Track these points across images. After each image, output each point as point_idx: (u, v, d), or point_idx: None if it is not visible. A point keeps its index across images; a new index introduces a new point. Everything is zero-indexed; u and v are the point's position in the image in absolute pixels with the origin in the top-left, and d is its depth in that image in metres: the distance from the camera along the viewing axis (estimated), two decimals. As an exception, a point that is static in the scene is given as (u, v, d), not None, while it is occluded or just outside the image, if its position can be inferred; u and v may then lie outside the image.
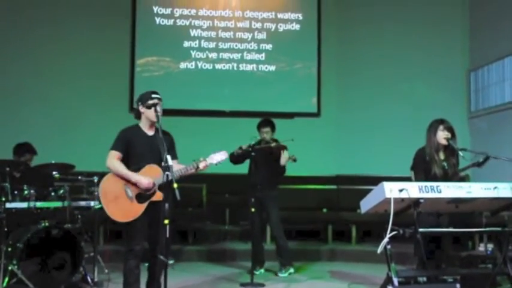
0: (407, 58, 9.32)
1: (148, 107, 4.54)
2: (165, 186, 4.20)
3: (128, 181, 4.43)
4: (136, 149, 4.54)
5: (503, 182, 4.48)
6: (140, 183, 4.40)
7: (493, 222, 5.59)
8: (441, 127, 5.08)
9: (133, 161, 4.52)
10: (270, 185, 6.34)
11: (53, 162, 5.85)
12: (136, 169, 4.47)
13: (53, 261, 5.23)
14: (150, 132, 4.62)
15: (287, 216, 7.21)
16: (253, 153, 6.13)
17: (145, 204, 4.44)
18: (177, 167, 4.52)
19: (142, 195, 4.45)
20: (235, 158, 6.26)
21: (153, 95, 4.56)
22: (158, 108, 4.51)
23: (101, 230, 7.38)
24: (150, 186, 4.40)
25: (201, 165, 4.59)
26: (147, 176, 4.42)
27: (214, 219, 8.46)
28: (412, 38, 9.37)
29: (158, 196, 4.42)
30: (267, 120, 6.52)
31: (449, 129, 5.08)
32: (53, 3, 9.14)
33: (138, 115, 4.66)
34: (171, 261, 6.69)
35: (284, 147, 6.27)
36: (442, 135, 5.05)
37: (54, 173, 5.82)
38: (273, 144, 6.28)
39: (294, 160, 6.24)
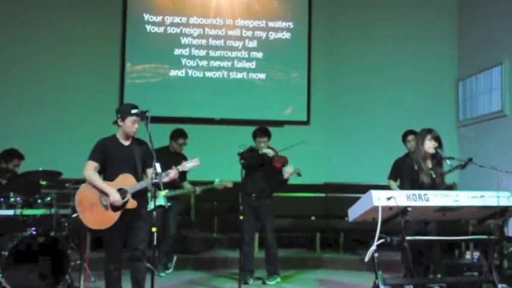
0: (397, 68, 9.37)
1: (126, 121, 4.68)
2: (153, 193, 4.30)
3: (102, 192, 4.61)
4: (113, 159, 4.70)
5: (489, 191, 4.52)
6: (111, 197, 4.56)
7: (480, 231, 5.64)
8: (429, 136, 5.13)
9: (109, 170, 4.70)
10: (266, 195, 6.32)
11: (40, 169, 5.82)
12: (111, 178, 4.65)
13: (38, 269, 5.19)
14: (127, 143, 4.78)
15: (275, 224, 7.21)
16: (242, 161, 6.08)
17: (119, 212, 4.61)
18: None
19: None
20: (246, 166, 6.16)
21: (133, 111, 4.66)
22: (136, 125, 4.70)
23: (88, 237, 7.33)
24: (118, 204, 4.56)
25: (172, 172, 4.72)
26: (121, 186, 4.61)
27: (203, 227, 8.43)
28: (401, 48, 9.43)
29: (132, 204, 4.63)
30: (263, 129, 6.42)
31: (437, 138, 5.14)
32: (41, 10, 9.10)
33: (117, 124, 4.79)
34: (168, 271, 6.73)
35: (286, 160, 6.20)
36: (429, 145, 5.11)
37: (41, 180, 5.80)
38: (272, 154, 6.17)
39: (299, 174, 6.18)
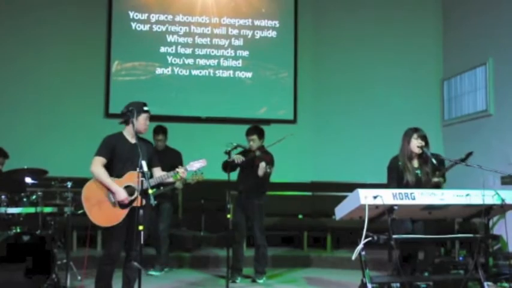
0: (383, 67, 9.43)
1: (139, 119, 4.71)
2: (140, 193, 4.30)
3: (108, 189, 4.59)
4: (120, 156, 4.68)
5: (475, 189, 4.56)
6: (118, 195, 4.55)
7: (465, 229, 5.69)
8: (415, 135, 5.17)
9: (116, 167, 4.67)
10: (255, 194, 6.31)
11: (26, 167, 5.77)
12: (118, 175, 4.63)
13: (24, 268, 5.13)
14: (133, 140, 4.74)
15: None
16: (229, 160, 6.10)
17: (127, 210, 4.60)
18: (159, 174, 4.82)
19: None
20: (226, 170, 6.18)
21: (145, 108, 4.74)
22: (148, 122, 4.78)
23: (74, 236, 7.30)
24: (124, 203, 4.56)
25: (180, 171, 4.75)
26: (128, 183, 4.60)
27: (190, 225, 8.42)
28: (387, 47, 9.48)
29: (140, 202, 4.50)
30: (254, 127, 6.43)
31: (423, 137, 5.17)
32: (26, 8, 9.01)
33: (127, 121, 4.76)
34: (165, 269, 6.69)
35: (267, 158, 6.20)
36: (415, 144, 5.15)
37: (27, 178, 5.74)
38: (257, 153, 6.18)
39: (270, 173, 6.18)
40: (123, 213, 4.58)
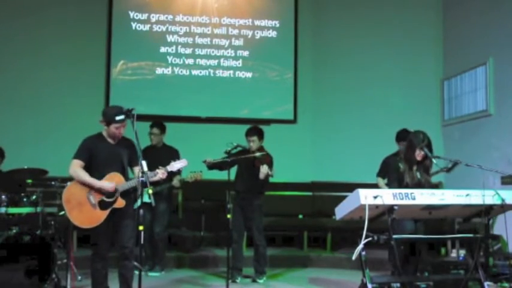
0: (383, 67, 9.43)
1: (110, 127, 4.70)
2: (141, 192, 4.31)
3: (91, 188, 4.61)
4: (99, 158, 4.70)
5: (475, 189, 4.56)
6: (104, 188, 4.58)
7: (465, 229, 5.68)
8: (422, 146, 4.99)
9: (96, 169, 4.69)
10: (254, 194, 6.31)
11: (26, 167, 5.77)
12: (99, 177, 4.64)
13: (24, 268, 5.13)
14: (113, 141, 4.78)
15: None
16: (229, 160, 6.10)
17: (107, 211, 4.63)
18: (137, 173, 4.71)
19: (105, 202, 4.63)
20: (210, 167, 6.22)
21: (117, 118, 4.63)
22: (120, 130, 4.71)
23: (74, 236, 7.30)
24: (113, 190, 4.58)
25: (160, 171, 4.76)
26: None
27: (190, 225, 8.41)
28: (387, 48, 9.48)
29: (120, 203, 4.65)
30: (253, 128, 6.42)
31: (428, 144, 5.04)
32: (26, 9, 9.00)
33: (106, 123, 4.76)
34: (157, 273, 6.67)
35: (267, 160, 6.18)
36: (419, 153, 5.02)
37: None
38: (257, 154, 6.16)
39: (271, 176, 6.18)
40: (103, 214, 4.61)
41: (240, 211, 6.33)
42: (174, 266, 7.12)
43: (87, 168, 4.68)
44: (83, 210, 4.59)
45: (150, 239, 6.58)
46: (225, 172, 5.95)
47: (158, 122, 6.85)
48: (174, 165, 4.89)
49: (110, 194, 4.60)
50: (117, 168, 4.70)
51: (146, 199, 4.40)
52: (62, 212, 4.74)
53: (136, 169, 4.77)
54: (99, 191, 4.61)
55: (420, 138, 4.99)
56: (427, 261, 5.43)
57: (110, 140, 4.78)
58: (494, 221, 6.84)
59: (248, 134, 6.35)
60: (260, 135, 6.36)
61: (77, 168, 4.62)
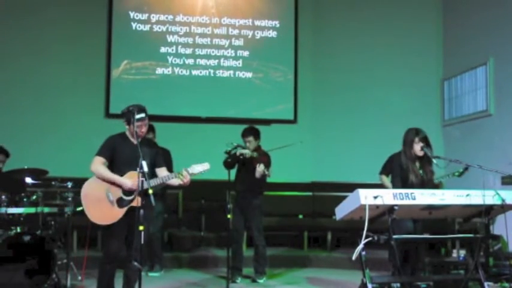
0: (383, 67, 9.44)
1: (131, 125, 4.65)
2: (140, 193, 4.29)
3: (111, 184, 4.58)
4: (121, 157, 4.67)
5: (475, 189, 4.56)
6: (125, 185, 4.54)
7: (466, 229, 5.69)
8: (416, 139, 5.15)
9: (117, 168, 4.66)
10: (253, 194, 6.31)
11: (26, 167, 5.77)
12: (119, 175, 4.60)
13: (25, 268, 5.13)
14: (136, 141, 4.68)
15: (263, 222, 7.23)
16: (229, 160, 6.11)
17: (124, 209, 4.58)
18: (162, 174, 4.75)
19: (123, 200, 4.59)
20: (228, 164, 6.21)
21: (138, 116, 4.61)
22: (143, 130, 4.68)
23: (75, 236, 7.30)
24: (134, 188, 4.50)
25: (184, 173, 4.68)
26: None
27: (190, 225, 8.42)
28: (387, 48, 9.49)
29: (137, 202, 4.49)
30: (249, 128, 6.42)
31: (424, 139, 5.16)
32: (26, 9, 9.00)
33: (128, 122, 4.71)
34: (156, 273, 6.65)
35: (264, 160, 6.18)
36: (418, 148, 5.13)
37: (27, 178, 5.74)
38: (251, 154, 6.16)
39: (268, 176, 6.16)
40: (120, 212, 4.56)
41: (239, 211, 6.33)
42: (174, 266, 7.11)
43: (109, 166, 4.66)
44: (100, 207, 4.56)
45: (147, 239, 6.55)
46: (224, 172, 5.96)
47: (150, 126, 6.76)
48: (196, 168, 4.76)
49: (129, 193, 4.57)
50: (137, 168, 4.53)
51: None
52: (80, 208, 4.68)
53: (161, 171, 4.78)
54: (120, 187, 4.57)
55: (413, 132, 5.19)
56: (427, 261, 5.42)
57: (133, 140, 4.72)
58: (494, 221, 6.85)
59: (244, 135, 6.35)
60: (256, 135, 6.36)
61: (98, 165, 4.60)
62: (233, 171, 6.31)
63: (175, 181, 4.69)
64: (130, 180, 4.53)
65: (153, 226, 6.49)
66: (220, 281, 6.31)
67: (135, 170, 4.49)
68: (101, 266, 4.73)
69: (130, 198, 4.57)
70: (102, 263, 4.71)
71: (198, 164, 4.83)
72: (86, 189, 4.59)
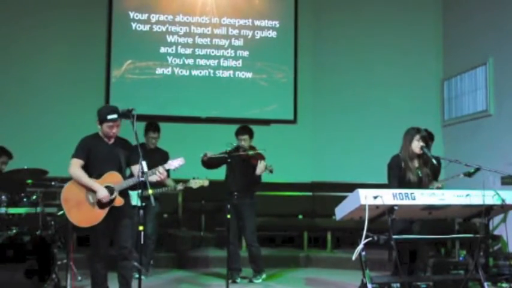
0: (383, 67, 9.42)
1: (103, 126, 4.73)
2: (141, 193, 4.32)
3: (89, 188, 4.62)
4: (97, 157, 4.73)
5: (475, 189, 4.56)
6: (98, 193, 4.57)
7: (466, 229, 5.69)
8: (417, 136, 5.16)
9: (94, 168, 4.71)
10: (247, 193, 6.31)
11: (26, 167, 5.77)
12: (97, 176, 4.67)
13: (24, 268, 5.13)
14: (110, 141, 4.80)
15: (262, 222, 7.23)
16: (229, 160, 6.12)
17: (106, 210, 4.63)
18: (136, 172, 4.70)
19: (103, 201, 4.62)
20: (206, 164, 6.24)
21: (109, 117, 4.66)
22: (114, 130, 4.72)
23: (74, 236, 7.29)
24: (105, 201, 4.57)
25: (161, 170, 4.71)
26: (108, 183, 4.63)
27: (190, 225, 8.42)
28: (387, 48, 9.47)
29: (119, 202, 4.65)
30: (244, 127, 6.46)
31: (424, 138, 5.17)
32: (26, 10, 8.99)
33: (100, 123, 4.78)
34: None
35: (262, 157, 6.21)
36: (417, 145, 5.14)
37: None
38: (251, 152, 6.21)
39: (271, 171, 6.17)
40: (102, 213, 4.61)
41: (234, 211, 6.28)
42: (174, 266, 7.12)
43: (85, 167, 4.70)
44: (81, 210, 4.60)
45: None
46: (224, 173, 5.96)
47: (156, 125, 6.80)
48: (172, 164, 4.84)
49: (109, 193, 4.60)
50: (115, 168, 4.71)
51: (134, 201, 4.46)
52: (61, 212, 4.73)
53: (134, 168, 4.78)
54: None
55: (414, 130, 5.20)
56: (431, 263, 5.43)
57: (106, 140, 4.79)
58: (498, 224, 6.87)
59: (239, 133, 6.39)
60: (250, 134, 6.41)
61: (76, 168, 4.65)
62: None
63: (153, 177, 4.69)
64: (104, 191, 4.56)
65: (149, 228, 6.48)
66: (220, 281, 6.31)
67: (113, 169, 4.65)
68: (91, 266, 4.79)
69: (112, 197, 4.62)
70: (93, 263, 4.77)
71: (173, 159, 4.91)
72: (66, 194, 4.64)
